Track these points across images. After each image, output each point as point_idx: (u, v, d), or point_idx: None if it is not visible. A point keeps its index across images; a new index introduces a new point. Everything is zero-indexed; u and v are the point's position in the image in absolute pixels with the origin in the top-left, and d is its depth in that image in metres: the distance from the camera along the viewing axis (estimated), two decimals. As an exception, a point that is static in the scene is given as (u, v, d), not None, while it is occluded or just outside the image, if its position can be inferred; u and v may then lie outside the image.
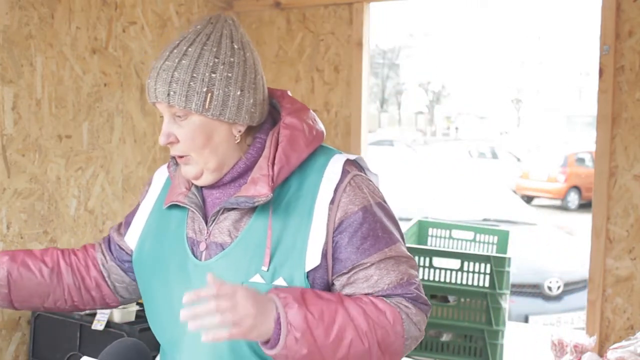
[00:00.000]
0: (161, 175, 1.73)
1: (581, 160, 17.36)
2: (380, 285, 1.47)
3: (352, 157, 1.57)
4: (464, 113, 48.05)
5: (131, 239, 1.69)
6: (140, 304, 2.77)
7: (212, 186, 1.56)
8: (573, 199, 15.89)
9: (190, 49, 1.45)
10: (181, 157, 1.51)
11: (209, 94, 1.44)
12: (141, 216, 1.70)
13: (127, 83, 3.22)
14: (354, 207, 1.48)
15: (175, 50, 1.46)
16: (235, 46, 1.48)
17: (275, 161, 1.48)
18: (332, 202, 1.48)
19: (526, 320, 4.77)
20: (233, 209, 1.50)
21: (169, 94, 1.44)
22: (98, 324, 2.57)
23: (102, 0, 3.07)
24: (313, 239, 1.46)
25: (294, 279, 1.44)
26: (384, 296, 1.47)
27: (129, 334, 2.50)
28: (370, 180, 1.56)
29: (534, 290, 5.00)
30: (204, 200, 1.58)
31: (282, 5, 3.72)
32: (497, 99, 46.63)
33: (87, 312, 2.64)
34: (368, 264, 1.47)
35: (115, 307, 1.82)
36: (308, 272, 1.45)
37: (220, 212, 1.52)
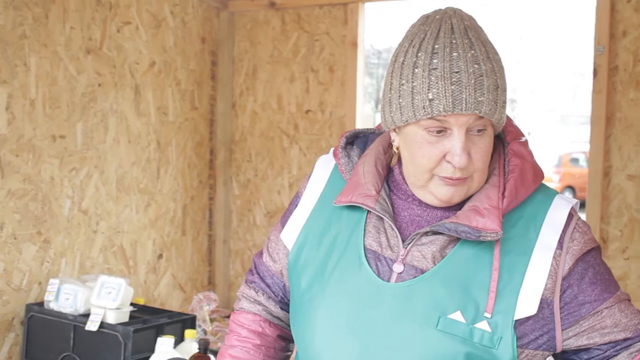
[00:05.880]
0: (325, 166, 1.50)
1: (575, 160, 17.46)
2: (632, 324, 1.32)
3: (573, 201, 1.38)
4: (459, 113, 48.10)
5: (288, 237, 1.47)
6: (135, 304, 2.76)
7: (407, 198, 1.38)
8: (568, 200, 15.91)
9: (475, 52, 1.24)
10: (456, 179, 1.28)
11: (504, 103, 1.27)
12: (302, 212, 1.47)
13: (121, 83, 3.22)
14: (582, 253, 1.31)
15: (468, 53, 1.23)
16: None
17: (506, 193, 1.29)
18: (558, 247, 1.29)
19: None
20: (441, 232, 1.30)
21: (495, 105, 1.24)
22: (92, 325, 2.53)
23: (97, 0, 3.06)
24: (529, 284, 1.26)
25: (498, 325, 1.25)
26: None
27: (122, 334, 2.49)
28: (588, 225, 1.38)
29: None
30: (393, 211, 1.38)
31: (277, 5, 3.72)
32: (491, 99, 46.61)
33: (81, 312, 2.62)
34: (606, 309, 1.31)
35: None
36: (516, 321, 1.25)
37: (427, 233, 1.32)
